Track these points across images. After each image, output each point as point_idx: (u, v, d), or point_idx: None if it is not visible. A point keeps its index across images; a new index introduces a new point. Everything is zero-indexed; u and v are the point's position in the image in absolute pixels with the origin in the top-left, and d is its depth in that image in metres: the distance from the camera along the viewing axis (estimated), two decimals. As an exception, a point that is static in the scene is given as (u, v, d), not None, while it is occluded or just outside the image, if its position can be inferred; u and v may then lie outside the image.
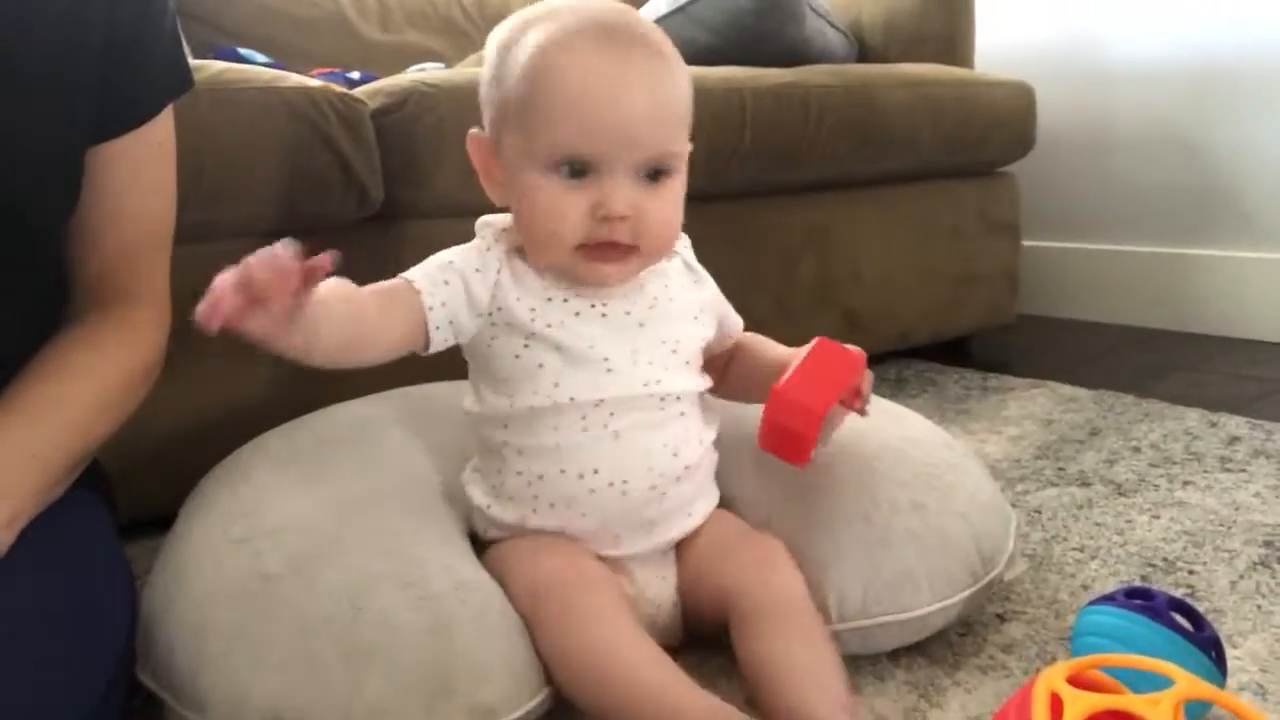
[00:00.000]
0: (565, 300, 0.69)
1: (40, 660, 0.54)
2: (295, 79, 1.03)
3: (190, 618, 0.63)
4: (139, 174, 0.71)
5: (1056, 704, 0.46)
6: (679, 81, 0.66)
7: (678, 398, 0.71)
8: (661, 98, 0.64)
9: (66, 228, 0.68)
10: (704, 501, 0.76)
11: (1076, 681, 0.48)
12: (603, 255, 0.66)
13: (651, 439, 0.69)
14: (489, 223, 0.73)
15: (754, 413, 0.70)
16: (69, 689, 0.55)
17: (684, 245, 0.77)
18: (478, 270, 0.69)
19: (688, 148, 0.69)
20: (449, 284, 0.69)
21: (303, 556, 0.65)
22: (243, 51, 1.55)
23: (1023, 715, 0.46)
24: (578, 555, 0.68)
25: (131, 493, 0.81)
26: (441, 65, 1.68)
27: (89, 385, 0.66)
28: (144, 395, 0.71)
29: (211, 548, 0.68)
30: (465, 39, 1.93)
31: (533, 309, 0.68)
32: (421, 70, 1.63)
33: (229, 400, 1.01)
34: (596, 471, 0.68)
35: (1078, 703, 0.45)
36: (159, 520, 0.93)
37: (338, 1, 1.81)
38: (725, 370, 0.80)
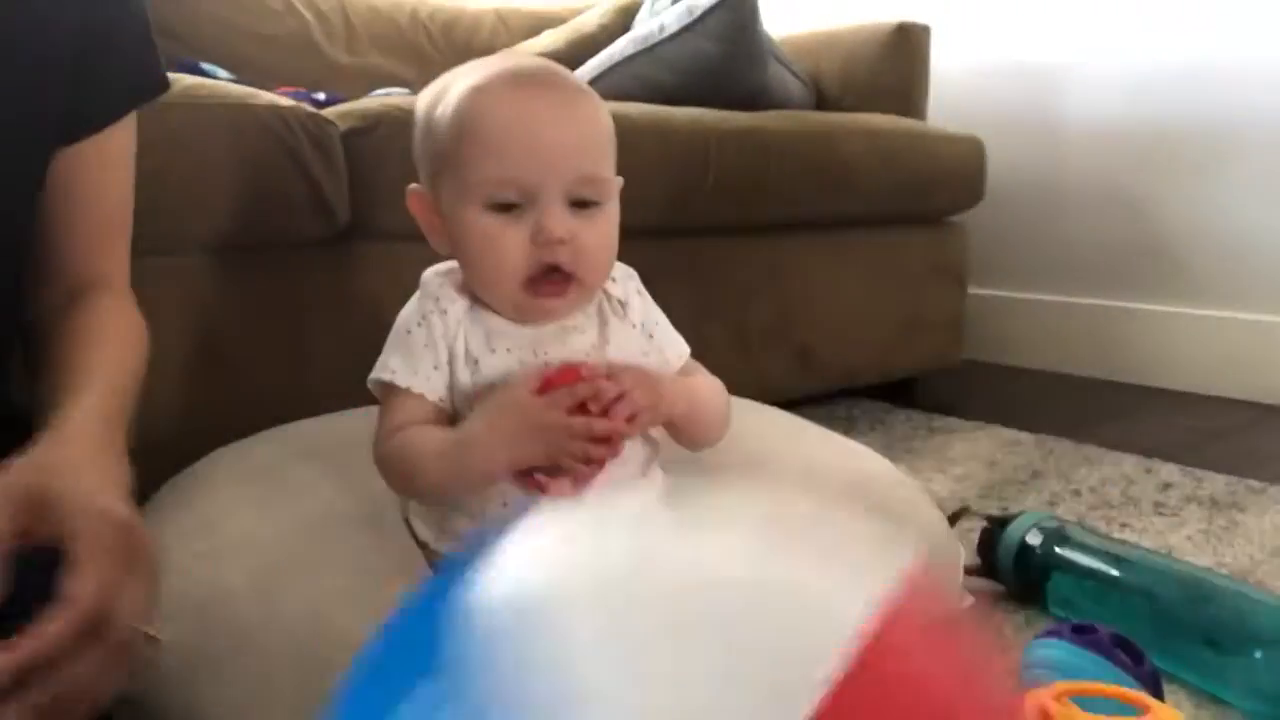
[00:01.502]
0: (509, 350, 0.69)
1: None
2: (267, 97, 1.03)
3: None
4: (101, 177, 0.71)
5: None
6: (598, 113, 0.69)
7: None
8: (582, 125, 0.67)
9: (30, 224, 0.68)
10: None
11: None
12: (547, 290, 0.67)
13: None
14: (434, 274, 0.73)
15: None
16: None
17: (624, 281, 0.76)
18: (435, 324, 0.70)
19: (612, 180, 0.71)
20: (426, 349, 0.69)
21: (261, 572, 0.65)
22: (205, 67, 1.54)
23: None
24: None
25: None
26: (407, 91, 1.69)
27: (124, 351, 0.66)
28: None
29: (171, 562, 0.66)
30: (430, 65, 1.94)
31: (477, 359, 0.69)
32: (388, 94, 1.64)
33: (186, 409, 1.00)
34: (537, 500, 0.68)
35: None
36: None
37: (304, 21, 1.82)
38: None
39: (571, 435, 0.62)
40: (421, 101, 0.71)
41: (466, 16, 2.03)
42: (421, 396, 0.68)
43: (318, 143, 1.02)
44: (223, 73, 1.53)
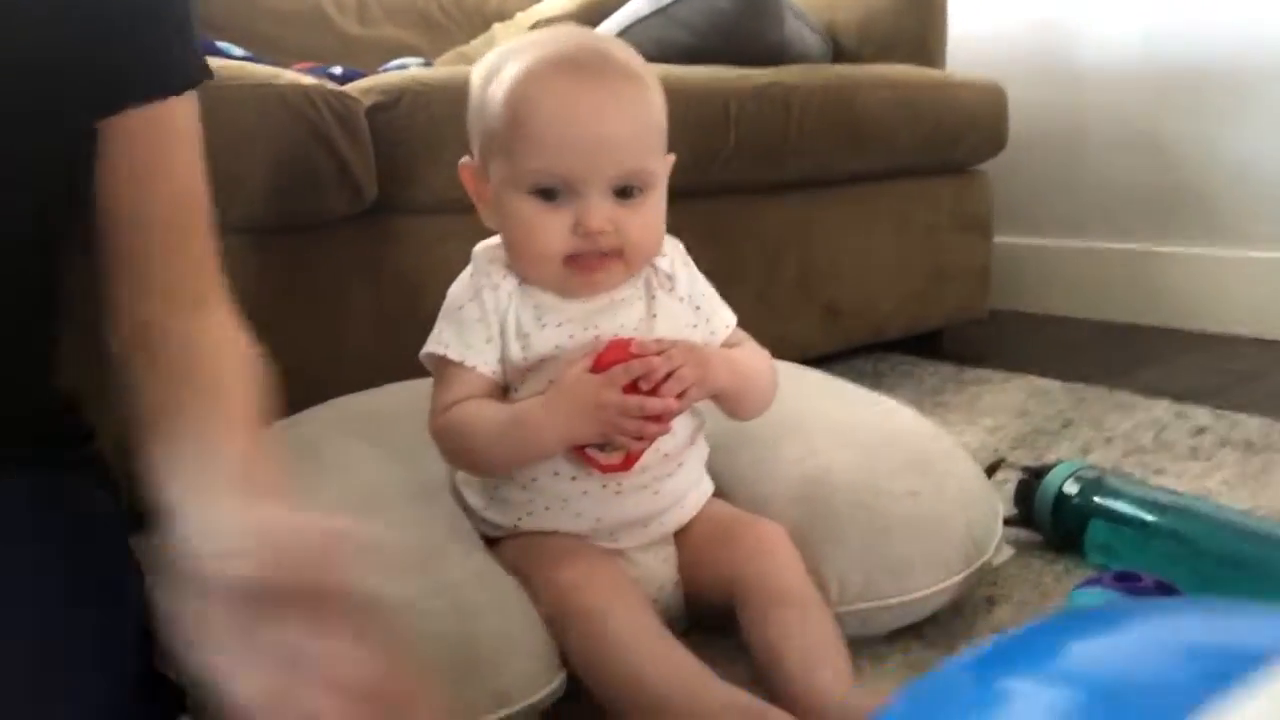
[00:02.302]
0: (559, 325, 0.71)
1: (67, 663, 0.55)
2: (290, 76, 1.03)
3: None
4: (169, 154, 0.70)
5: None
6: (648, 103, 0.70)
7: None
8: (629, 120, 0.68)
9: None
10: (696, 493, 0.77)
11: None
12: (589, 265, 0.69)
13: None
14: (485, 250, 0.75)
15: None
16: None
17: (672, 253, 0.77)
18: (488, 299, 0.71)
19: (663, 165, 0.72)
20: (479, 324, 0.70)
21: (320, 548, 0.66)
22: (220, 45, 1.54)
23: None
24: (594, 561, 0.69)
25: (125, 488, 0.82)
26: (421, 60, 1.69)
27: (241, 364, 0.66)
28: None
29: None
30: (443, 33, 1.94)
31: (528, 334, 0.70)
32: (403, 66, 1.63)
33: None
34: (590, 473, 0.70)
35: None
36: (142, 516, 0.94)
37: (315, -4, 1.81)
38: None
39: (625, 413, 0.64)
40: (476, 75, 0.72)
41: (477, -18, 2.01)
42: (475, 369, 0.70)
43: (343, 120, 1.03)
44: (238, 50, 1.53)
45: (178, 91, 0.71)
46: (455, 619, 0.62)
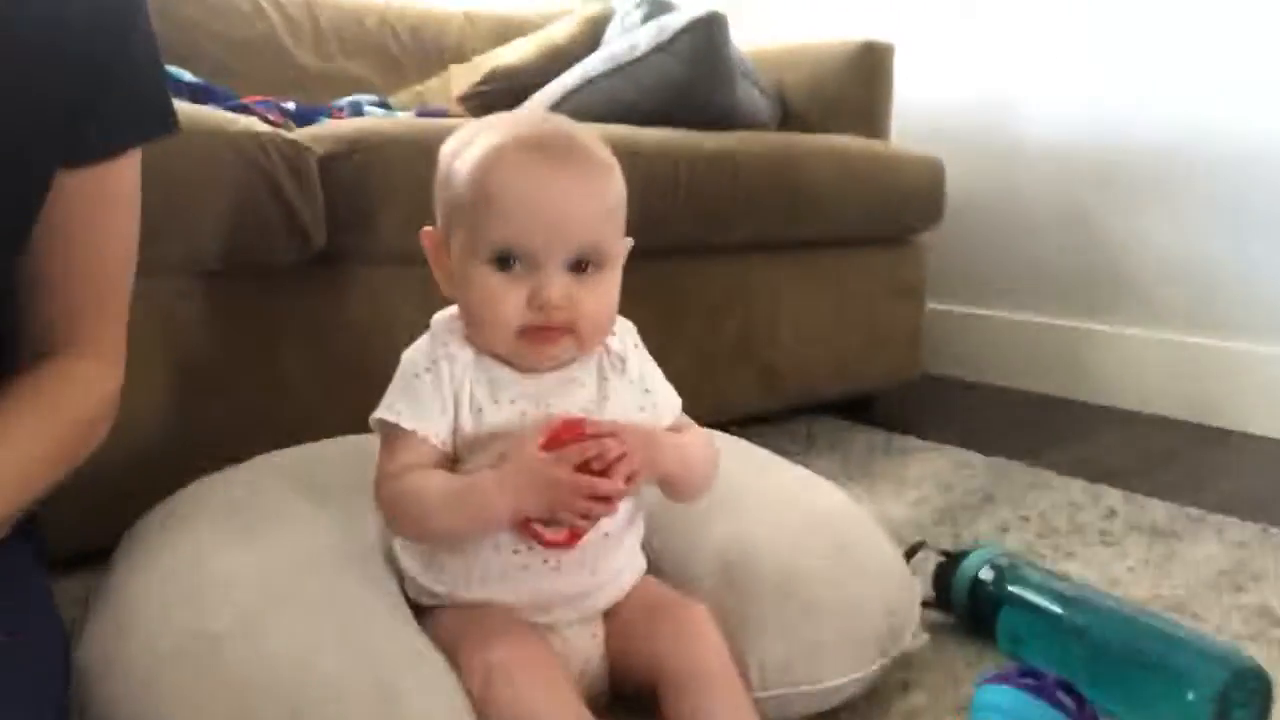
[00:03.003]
0: (512, 401, 0.73)
1: None
2: (243, 122, 1.03)
3: (132, 677, 0.63)
4: (99, 222, 0.71)
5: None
6: (610, 186, 0.73)
7: None
8: (590, 199, 0.71)
9: (16, 269, 0.68)
10: (630, 572, 0.79)
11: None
12: (542, 337, 0.71)
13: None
14: (443, 320, 0.76)
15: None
16: None
17: (624, 336, 0.79)
18: (444, 370, 0.72)
19: (620, 245, 0.75)
20: (434, 394, 0.72)
21: (246, 615, 0.66)
22: (170, 70, 1.53)
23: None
24: (523, 642, 0.70)
25: (60, 525, 0.81)
26: (377, 99, 1.69)
27: (29, 440, 0.65)
28: (91, 448, 0.71)
29: (152, 605, 0.68)
30: (399, 71, 1.94)
31: (481, 408, 0.72)
32: (357, 104, 1.63)
33: (160, 434, 1.00)
34: (531, 547, 0.71)
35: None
36: (79, 555, 0.93)
37: (271, 24, 1.80)
38: None
39: (575, 493, 0.66)
40: (445, 148, 0.75)
41: (434, 19, 2.03)
42: (426, 439, 0.71)
43: (294, 168, 1.03)
44: (187, 75, 1.52)
45: (144, 141, 0.71)
46: (379, 695, 0.62)
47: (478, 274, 0.70)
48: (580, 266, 0.71)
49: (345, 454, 0.91)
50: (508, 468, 0.68)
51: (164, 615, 0.67)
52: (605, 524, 0.73)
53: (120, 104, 0.69)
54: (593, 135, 0.74)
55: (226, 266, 1.03)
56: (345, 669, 0.63)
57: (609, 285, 0.73)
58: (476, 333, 0.73)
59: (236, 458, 0.91)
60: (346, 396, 1.08)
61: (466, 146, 0.72)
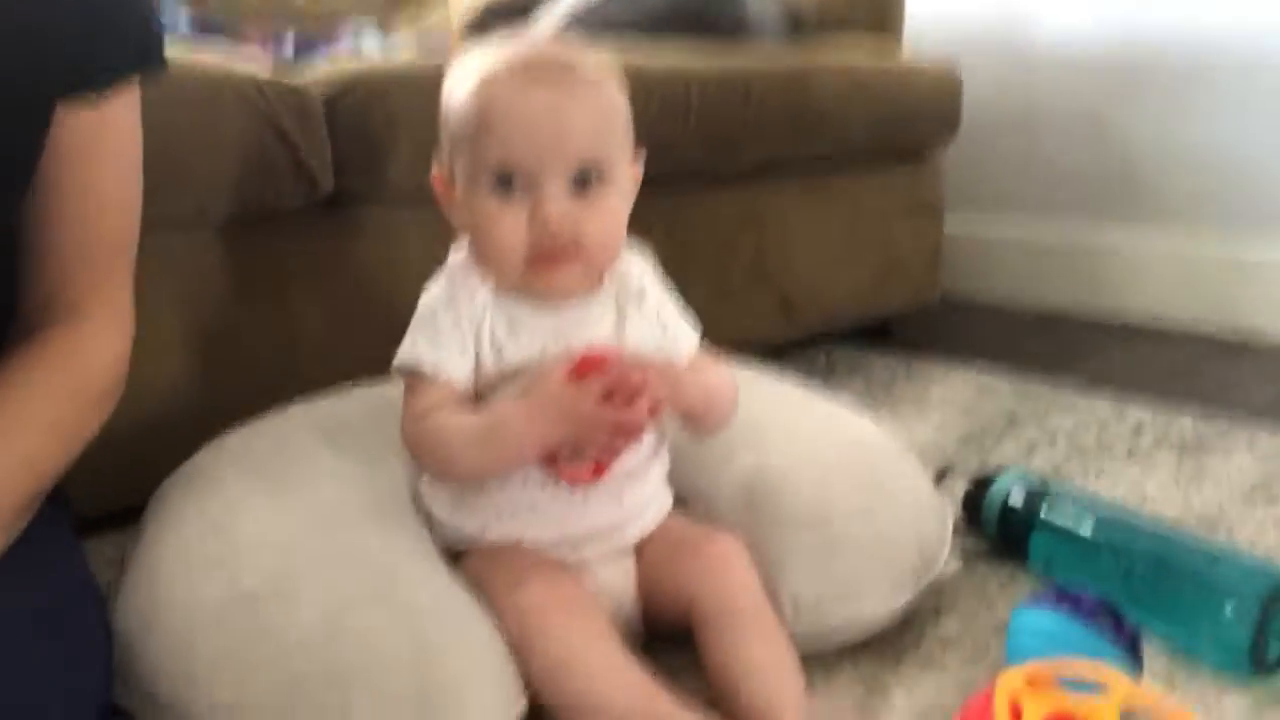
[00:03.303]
0: (532, 337, 0.73)
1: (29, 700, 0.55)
2: (242, 67, 1.00)
3: (172, 641, 0.63)
4: (96, 170, 0.69)
5: (1015, 712, 0.51)
6: (608, 101, 0.72)
7: None
8: (586, 112, 0.70)
9: (18, 223, 0.66)
10: (657, 504, 0.79)
11: (1031, 686, 0.54)
12: (548, 263, 0.71)
13: None
14: (460, 259, 0.75)
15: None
16: None
17: (641, 269, 0.79)
18: (463, 309, 0.72)
19: (625, 164, 0.74)
20: (454, 333, 0.72)
21: (279, 574, 0.66)
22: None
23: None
24: (556, 580, 0.70)
25: (82, 487, 0.80)
26: (375, 30, 1.65)
27: (42, 409, 0.63)
28: (107, 414, 0.69)
29: (186, 567, 0.68)
30: (395, 2, 1.89)
31: (501, 345, 0.72)
32: (358, 32, 1.60)
33: (179, 390, 0.99)
34: (558, 482, 0.71)
35: (1036, 706, 0.50)
36: (106, 516, 0.93)
37: (264, -41, 1.75)
38: None
39: (599, 424, 0.66)
40: (446, 83, 0.74)
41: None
42: (448, 380, 0.71)
43: (297, 112, 1.00)
44: (184, 16, 1.49)
45: (138, 76, 0.69)
46: (413, 655, 0.62)
47: (479, 201, 0.70)
48: (582, 184, 0.70)
49: (366, 402, 0.90)
50: (532, 400, 0.68)
51: (197, 579, 0.67)
52: (630, 457, 0.73)
53: (114, 39, 0.67)
54: (589, 53, 0.74)
55: (235, 217, 1.01)
56: (379, 626, 0.63)
57: (614, 204, 0.72)
58: (486, 266, 0.73)
59: (255, 408, 0.91)
60: (363, 340, 1.07)
61: (462, 77, 0.72)
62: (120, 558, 0.77)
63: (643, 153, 0.77)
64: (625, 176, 0.74)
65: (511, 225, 0.69)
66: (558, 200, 0.69)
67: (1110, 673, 0.57)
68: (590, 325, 0.74)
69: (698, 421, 0.77)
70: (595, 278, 0.75)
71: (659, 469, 0.79)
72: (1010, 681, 0.55)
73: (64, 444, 0.66)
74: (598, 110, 0.70)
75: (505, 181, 0.69)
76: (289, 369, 1.06)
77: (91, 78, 0.66)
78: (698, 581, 0.73)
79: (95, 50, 0.65)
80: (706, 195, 1.42)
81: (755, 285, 1.49)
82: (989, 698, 0.54)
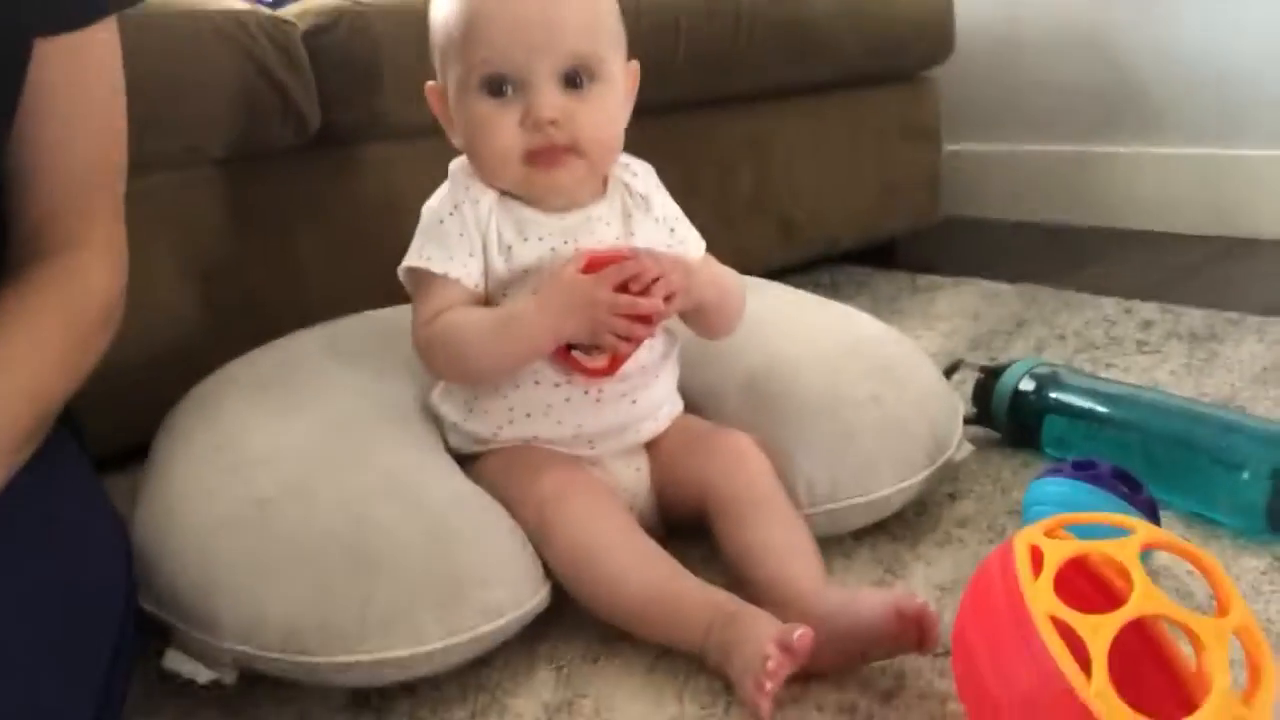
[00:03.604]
0: (541, 239, 0.72)
1: (44, 634, 0.55)
2: (220, 2, 0.99)
3: (191, 548, 0.64)
4: (79, 97, 0.68)
5: (1036, 555, 0.51)
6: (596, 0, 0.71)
7: None
8: (571, 8, 0.68)
9: (4, 163, 0.66)
10: (670, 405, 0.79)
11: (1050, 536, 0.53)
12: (547, 161, 0.70)
13: None
14: (461, 165, 0.75)
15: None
16: (78, 644, 0.56)
17: (645, 176, 0.78)
18: (468, 213, 0.72)
19: (618, 62, 0.73)
20: (461, 237, 0.71)
21: (294, 479, 0.66)
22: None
23: (1006, 567, 0.50)
24: (572, 471, 0.70)
25: (91, 427, 0.81)
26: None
27: (37, 342, 0.62)
28: (104, 346, 0.68)
29: (200, 478, 0.68)
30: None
31: (510, 246, 0.71)
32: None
33: (180, 330, 0.99)
34: (572, 380, 0.71)
35: (1056, 550, 0.50)
36: (116, 454, 0.93)
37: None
38: None
39: (615, 311, 0.66)
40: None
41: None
42: (458, 281, 0.71)
43: (280, 46, 0.99)
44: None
45: (115, 9, 0.69)
46: (434, 542, 0.62)
47: (471, 106, 0.69)
48: (574, 81, 0.69)
49: (368, 325, 0.91)
50: (547, 290, 0.68)
51: (211, 491, 0.67)
52: (643, 355, 0.73)
53: None
54: None
55: (226, 155, 1.01)
56: (398, 516, 0.63)
57: (609, 101, 0.71)
58: (483, 170, 0.72)
59: (258, 343, 0.90)
60: (361, 275, 1.07)
61: None
62: (133, 489, 0.77)
63: (637, 65, 0.76)
64: (619, 75, 0.73)
65: (506, 127, 0.68)
66: (549, 98, 0.68)
67: (1128, 519, 0.56)
68: (598, 229, 0.73)
69: (710, 318, 0.76)
70: (596, 178, 0.74)
71: (670, 371, 0.79)
72: (1029, 533, 0.55)
73: (63, 374, 0.65)
74: (585, 7, 0.69)
75: (497, 84, 0.68)
76: (291, 305, 1.05)
77: (68, 15, 0.65)
78: (713, 474, 0.73)
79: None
80: (703, 120, 1.41)
81: (756, 209, 1.48)
82: (1009, 548, 0.54)
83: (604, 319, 0.66)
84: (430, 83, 0.75)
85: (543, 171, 0.70)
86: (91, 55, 0.69)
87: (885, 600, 0.60)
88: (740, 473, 0.73)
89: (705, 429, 0.78)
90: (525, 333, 0.67)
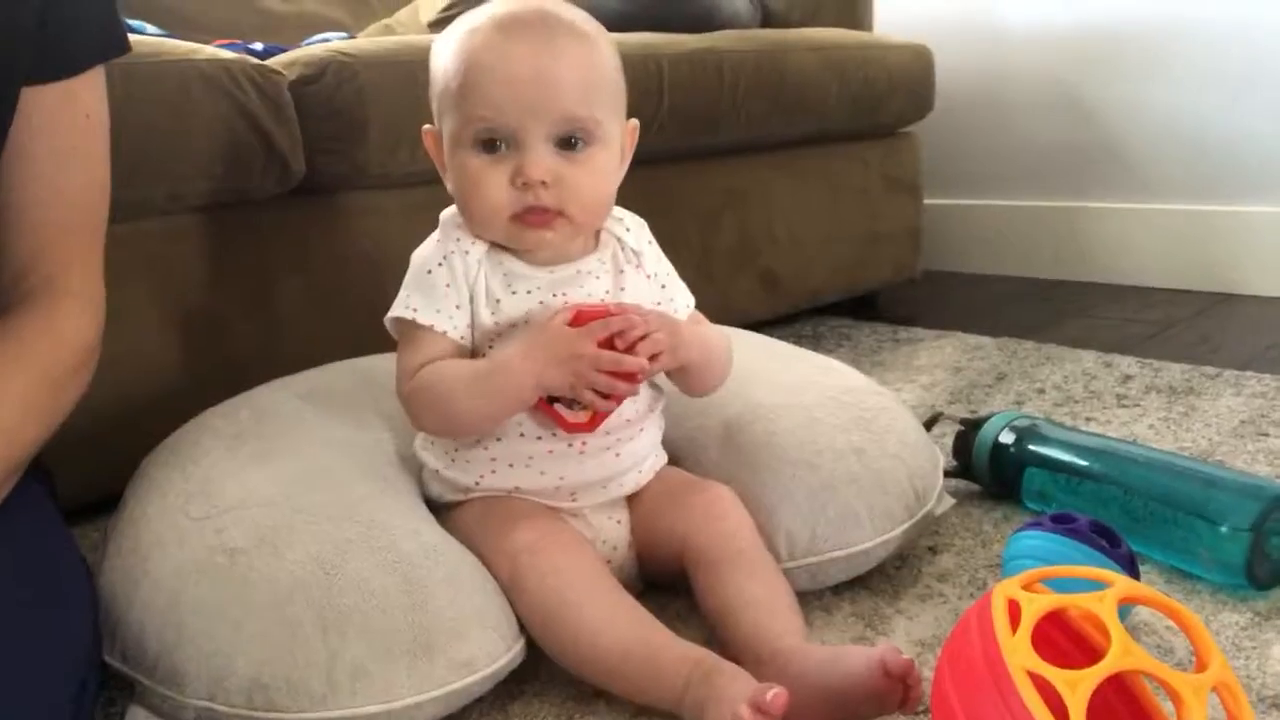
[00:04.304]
0: (529, 292, 0.71)
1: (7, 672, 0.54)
2: (209, 51, 1.00)
3: (160, 597, 0.62)
4: (65, 144, 0.68)
5: (1014, 609, 0.50)
6: (593, 57, 0.70)
7: None
8: (568, 69, 0.68)
9: None
10: (653, 458, 0.78)
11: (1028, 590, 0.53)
12: (534, 220, 0.69)
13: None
14: (452, 215, 0.74)
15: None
16: (41, 694, 0.55)
17: (638, 231, 0.78)
18: (457, 264, 0.71)
19: (615, 122, 0.72)
20: (449, 288, 0.71)
21: (267, 529, 0.65)
22: (132, 23, 1.49)
23: (983, 622, 0.50)
24: (549, 522, 0.70)
25: (65, 475, 0.79)
26: (345, 35, 1.65)
27: (15, 388, 0.62)
28: (79, 393, 0.67)
29: (172, 527, 0.67)
30: (364, 7, 1.89)
31: (499, 299, 0.71)
32: (326, 40, 1.59)
33: (158, 379, 0.99)
34: (555, 433, 0.70)
35: (1033, 604, 0.49)
36: (88, 505, 0.92)
37: (231, -30, 1.75)
38: None
39: (598, 367, 0.65)
40: (434, 44, 0.73)
41: (398, -47, 1.97)
42: (444, 334, 0.70)
43: (266, 94, 1.00)
44: (151, 28, 1.48)
45: (103, 60, 0.70)
46: (406, 595, 0.61)
47: (464, 159, 0.69)
48: (568, 144, 0.69)
49: (346, 375, 0.90)
50: (532, 339, 0.67)
51: (184, 538, 0.66)
52: (626, 410, 0.72)
53: (78, 24, 0.67)
54: (575, 10, 0.72)
55: (210, 203, 1.01)
56: (370, 568, 0.62)
57: (602, 163, 0.71)
58: (470, 221, 0.72)
59: (236, 392, 0.90)
60: (342, 325, 1.07)
61: (448, 36, 0.71)
62: (104, 538, 0.76)
63: (636, 123, 0.76)
64: (615, 137, 0.72)
65: (496, 184, 0.68)
66: (540, 160, 0.67)
67: (1107, 572, 0.56)
68: (587, 283, 0.73)
69: (695, 378, 0.76)
70: (583, 238, 0.74)
71: (655, 425, 0.78)
72: (1007, 587, 0.54)
73: (37, 421, 0.65)
74: (583, 68, 0.69)
75: (489, 141, 0.68)
76: (271, 355, 1.05)
77: (56, 66, 0.66)
78: (692, 528, 0.72)
79: (59, 39, 0.65)
80: (687, 173, 1.42)
81: (739, 262, 1.49)
82: (986, 602, 0.53)
83: (586, 373, 0.65)
84: (427, 126, 0.75)
85: (528, 231, 0.70)
86: (78, 102, 0.69)
87: (870, 657, 0.59)
88: (719, 526, 0.72)
89: (685, 481, 0.77)
90: (508, 382, 0.67)
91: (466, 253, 0.71)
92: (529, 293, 0.71)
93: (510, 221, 0.69)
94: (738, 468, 0.79)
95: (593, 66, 0.69)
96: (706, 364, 0.75)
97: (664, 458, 0.80)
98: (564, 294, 0.71)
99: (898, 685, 0.58)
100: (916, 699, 0.58)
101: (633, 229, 0.77)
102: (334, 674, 0.57)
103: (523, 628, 0.65)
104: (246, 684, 0.57)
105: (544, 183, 0.67)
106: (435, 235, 0.74)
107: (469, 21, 0.70)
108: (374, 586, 0.61)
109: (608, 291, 0.74)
